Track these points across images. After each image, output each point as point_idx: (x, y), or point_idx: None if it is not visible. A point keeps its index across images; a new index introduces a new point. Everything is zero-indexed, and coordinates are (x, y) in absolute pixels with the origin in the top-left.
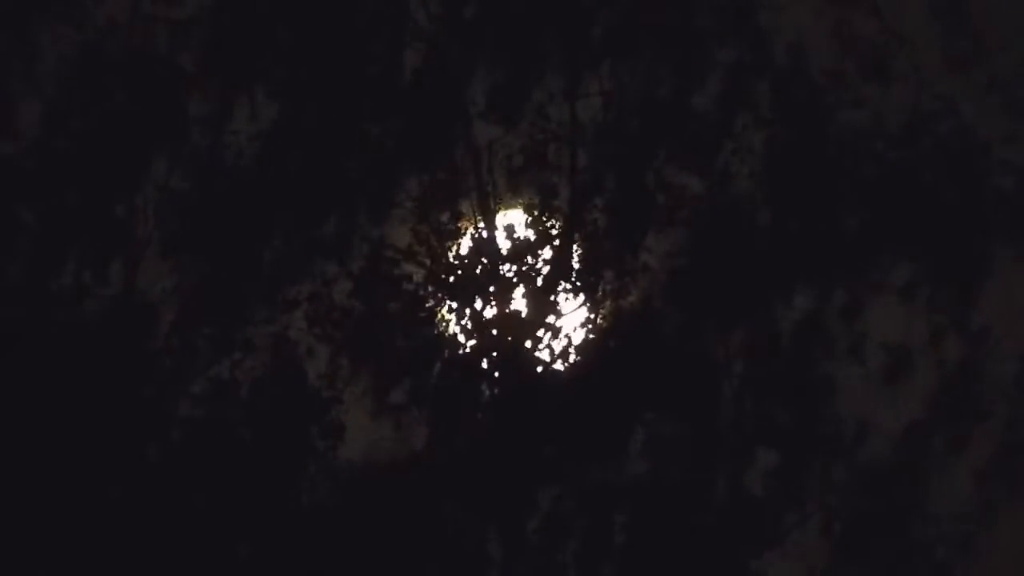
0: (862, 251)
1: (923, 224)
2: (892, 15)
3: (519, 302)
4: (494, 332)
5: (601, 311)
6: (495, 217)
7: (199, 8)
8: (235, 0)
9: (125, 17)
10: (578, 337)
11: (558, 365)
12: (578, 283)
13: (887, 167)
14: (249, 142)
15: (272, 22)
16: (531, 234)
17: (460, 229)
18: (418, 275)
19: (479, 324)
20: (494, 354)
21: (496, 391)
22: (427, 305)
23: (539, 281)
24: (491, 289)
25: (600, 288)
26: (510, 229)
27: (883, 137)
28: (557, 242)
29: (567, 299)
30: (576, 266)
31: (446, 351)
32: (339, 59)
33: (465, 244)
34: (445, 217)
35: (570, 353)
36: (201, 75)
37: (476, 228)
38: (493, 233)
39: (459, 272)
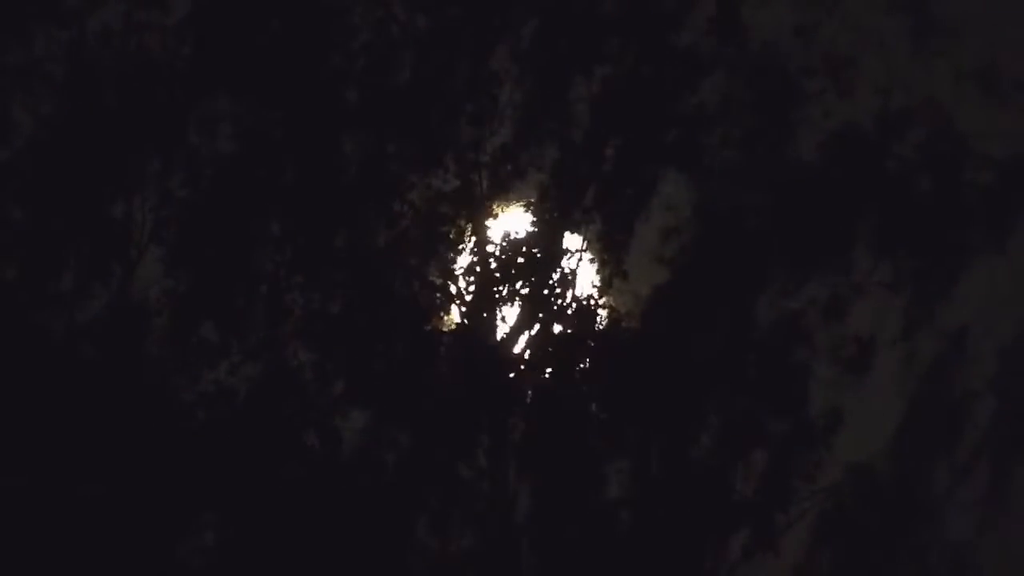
0: (842, 248)
1: (902, 220)
2: (855, 11)
3: (514, 304)
4: (489, 334)
5: (590, 311)
6: (487, 219)
7: (192, 14)
8: (226, 4)
9: (119, 24)
10: (567, 337)
11: (543, 364)
12: (569, 282)
13: (864, 163)
14: (241, 146)
15: (263, 26)
16: (523, 235)
17: (453, 233)
18: (414, 280)
19: (474, 326)
20: (491, 357)
21: (493, 394)
22: (422, 310)
23: (532, 282)
24: (485, 292)
25: (589, 288)
26: (503, 230)
27: (858, 134)
28: (549, 243)
29: (559, 299)
30: (567, 265)
31: (444, 355)
32: (326, 62)
33: (460, 247)
34: (438, 221)
35: (555, 353)
36: (195, 79)
37: (469, 231)
38: (485, 235)
39: (455, 276)
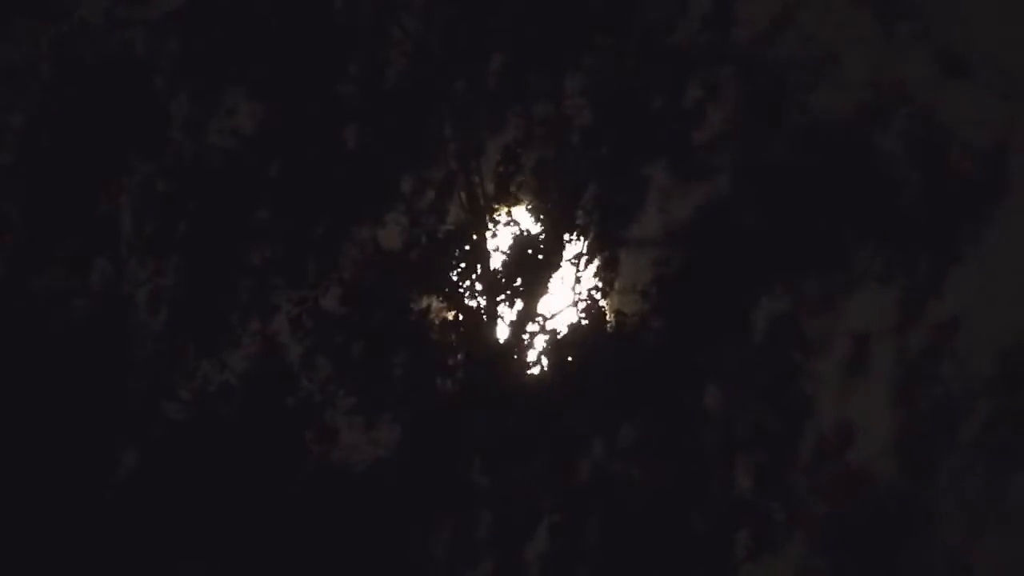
0: (831, 244)
1: (889, 213)
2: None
3: (509, 303)
4: (483, 334)
5: (586, 312)
6: (484, 218)
7: (177, 7)
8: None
9: (99, 19)
10: (563, 338)
11: (544, 366)
12: (563, 283)
13: (848, 155)
14: (234, 142)
15: (253, 20)
16: (520, 235)
17: (450, 231)
18: (410, 281)
19: (469, 327)
20: (482, 356)
21: (484, 392)
22: (418, 309)
23: (527, 282)
24: (481, 291)
25: (585, 289)
26: (499, 230)
27: (842, 125)
28: (545, 243)
29: (554, 300)
30: (561, 266)
31: (436, 355)
32: (322, 58)
33: (456, 247)
34: (435, 219)
35: (556, 355)
36: (181, 75)
37: (466, 230)
38: (483, 235)
39: (450, 276)
